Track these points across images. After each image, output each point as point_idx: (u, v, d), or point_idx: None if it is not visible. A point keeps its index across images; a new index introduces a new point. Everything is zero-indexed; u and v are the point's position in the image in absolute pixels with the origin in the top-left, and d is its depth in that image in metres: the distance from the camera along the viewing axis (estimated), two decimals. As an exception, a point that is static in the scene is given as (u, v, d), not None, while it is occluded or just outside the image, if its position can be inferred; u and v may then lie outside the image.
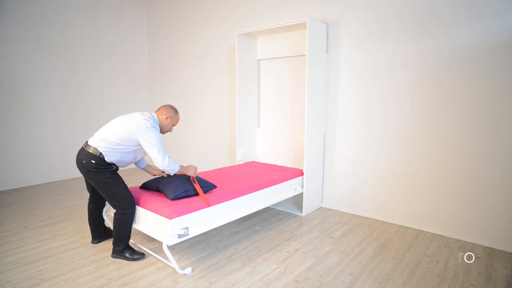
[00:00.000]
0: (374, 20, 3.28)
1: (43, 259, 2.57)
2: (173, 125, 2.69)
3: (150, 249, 2.71)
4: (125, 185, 2.54)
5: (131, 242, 2.81)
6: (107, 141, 2.42)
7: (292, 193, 3.46)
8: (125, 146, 2.45)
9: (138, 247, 2.75)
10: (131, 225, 2.56)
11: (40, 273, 2.36)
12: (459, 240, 2.94)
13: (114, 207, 2.51)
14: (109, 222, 2.86)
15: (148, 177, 5.13)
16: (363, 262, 2.55)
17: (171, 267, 2.44)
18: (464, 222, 2.94)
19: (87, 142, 2.50)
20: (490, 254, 2.71)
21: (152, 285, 2.22)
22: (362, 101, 3.43)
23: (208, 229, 2.53)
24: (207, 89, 4.99)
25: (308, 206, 3.58)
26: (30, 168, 4.64)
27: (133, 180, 4.97)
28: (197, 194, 2.60)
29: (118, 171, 2.57)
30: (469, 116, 2.85)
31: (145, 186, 2.77)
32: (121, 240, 2.53)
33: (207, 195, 2.66)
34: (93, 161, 2.40)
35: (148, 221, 2.47)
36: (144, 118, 2.47)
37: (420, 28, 3.03)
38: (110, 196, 2.47)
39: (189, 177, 2.68)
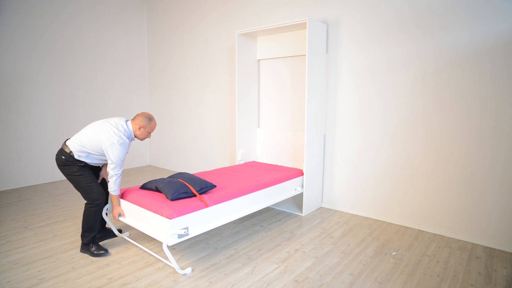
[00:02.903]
0: (374, 20, 3.28)
1: (43, 259, 2.57)
2: (149, 132, 2.74)
3: (150, 249, 2.71)
4: (94, 178, 2.66)
5: (132, 241, 2.81)
6: (79, 144, 2.56)
7: (292, 193, 3.46)
8: (92, 151, 2.58)
9: (138, 247, 2.76)
10: (99, 218, 2.67)
11: (40, 273, 2.36)
12: (459, 240, 2.94)
13: (84, 199, 2.66)
14: (109, 223, 2.86)
15: (147, 178, 5.13)
16: (363, 262, 2.55)
17: (171, 267, 2.44)
18: (464, 222, 2.94)
19: (65, 141, 2.65)
20: (490, 254, 2.71)
21: (152, 285, 2.22)
22: (362, 101, 3.43)
23: (208, 229, 2.53)
24: (207, 89, 4.99)
25: (308, 206, 3.58)
26: (30, 168, 4.64)
27: (133, 180, 4.97)
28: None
29: (88, 166, 2.66)
30: (469, 116, 2.85)
31: (145, 187, 2.77)
32: (87, 231, 2.63)
33: (207, 194, 2.66)
34: (63, 157, 2.58)
35: (148, 221, 2.47)
36: (113, 132, 2.54)
37: (420, 28, 3.03)
38: (79, 188, 2.63)
39: (188, 178, 2.72)
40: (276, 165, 3.91)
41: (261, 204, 3.09)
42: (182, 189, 2.55)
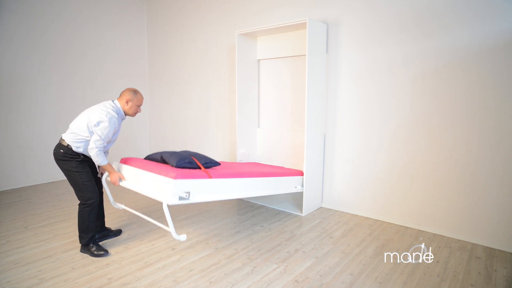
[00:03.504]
0: (374, 20, 3.28)
1: (43, 259, 2.57)
2: (138, 106, 2.72)
3: (153, 218, 2.69)
4: (91, 176, 2.65)
5: (131, 210, 2.80)
6: (74, 133, 2.56)
7: (292, 190, 3.46)
8: (86, 138, 2.55)
9: (140, 217, 2.72)
10: (94, 218, 2.66)
11: (40, 273, 2.36)
12: (459, 240, 2.94)
13: (78, 198, 2.65)
14: (107, 191, 2.84)
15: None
16: (363, 262, 2.55)
17: (171, 269, 2.44)
18: (464, 222, 2.94)
19: (62, 136, 2.65)
20: (490, 254, 2.71)
21: (152, 285, 2.22)
22: (362, 101, 3.43)
23: (208, 200, 2.57)
24: (207, 89, 4.99)
25: (308, 206, 3.58)
26: (30, 168, 4.64)
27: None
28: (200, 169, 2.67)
29: (87, 162, 2.66)
30: (469, 116, 2.85)
31: (149, 157, 2.85)
32: (84, 232, 2.63)
33: (210, 170, 2.72)
34: (61, 151, 2.57)
35: (151, 183, 2.48)
36: (101, 109, 2.54)
37: (420, 28, 3.03)
38: (74, 185, 2.62)
39: (193, 153, 2.78)
40: (276, 166, 3.92)
41: (261, 191, 3.11)
42: (187, 159, 2.61)
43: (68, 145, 2.55)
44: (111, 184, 2.80)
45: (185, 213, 3.58)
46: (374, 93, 3.34)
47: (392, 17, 3.17)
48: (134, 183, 2.64)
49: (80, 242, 2.67)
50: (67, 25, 4.85)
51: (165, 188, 2.35)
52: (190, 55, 5.16)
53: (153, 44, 5.80)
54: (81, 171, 2.59)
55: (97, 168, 2.83)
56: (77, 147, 2.55)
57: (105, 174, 2.80)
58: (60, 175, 4.90)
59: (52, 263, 2.51)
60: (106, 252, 2.63)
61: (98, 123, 2.50)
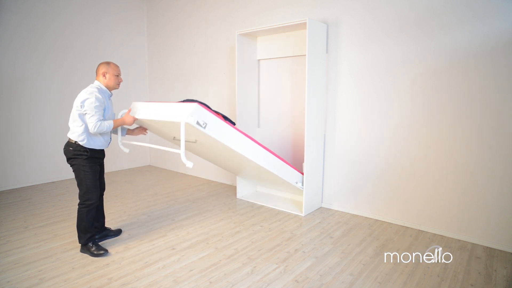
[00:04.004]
0: (374, 20, 3.28)
1: (43, 259, 2.57)
2: (116, 75, 2.69)
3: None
4: (96, 178, 2.69)
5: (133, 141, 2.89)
6: (72, 128, 2.59)
7: (293, 182, 3.47)
8: (83, 125, 2.56)
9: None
10: (91, 219, 2.69)
11: (40, 273, 2.36)
12: (459, 240, 2.94)
13: (78, 197, 2.67)
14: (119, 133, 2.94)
15: (147, 178, 5.13)
16: (363, 262, 2.55)
17: (171, 269, 2.44)
18: (464, 222, 2.94)
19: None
20: (490, 254, 2.71)
21: (152, 285, 2.22)
22: (362, 101, 3.43)
23: (218, 139, 2.68)
24: (207, 89, 4.99)
25: (308, 206, 3.58)
26: (30, 168, 4.64)
27: (133, 180, 4.96)
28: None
29: (97, 160, 2.69)
30: (469, 116, 2.85)
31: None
32: (82, 232, 2.66)
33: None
34: (70, 148, 2.60)
35: (171, 112, 2.57)
36: (85, 92, 2.56)
37: (420, 28, 3.02)
38: (78, 183, 2.65)
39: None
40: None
41: (268, 164, 3.22)
42: (208, 106, 2.70)
43: (75, 141, 2.57)
44: (130, 135, 3.05)
45: (185, 213, 3.58)
46: (374, 93, 3.34)
47: (392, 17, 3.17)
48: (153, 114, 2.71)
49: (79, 242, 2.68)
50: (67, 25, 4.85)
51: (186, 110, 2.46)
52: (190, 55, 5.16)
53: (153, 44, 5.80)
54: (88, 171, 2.61)
55: (119, 142, 2.95)
56: (82, 140, 2.56)
57: (119, 139, 2.93)
58: (60, 175, 4.91)
59: (52, 263, 2.51)
60: (105, 252, 2.63)
61: (83, 103, 2.50)
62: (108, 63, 2.68)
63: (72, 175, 4.96)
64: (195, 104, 2.49)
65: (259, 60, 4.24)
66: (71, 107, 2.65)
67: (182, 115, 2.45)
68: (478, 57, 2.77)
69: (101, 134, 2.65)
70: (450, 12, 2.87)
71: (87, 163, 2.60)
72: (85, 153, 2.59)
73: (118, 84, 2.73)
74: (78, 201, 2.68)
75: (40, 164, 4.72)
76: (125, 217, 3.42)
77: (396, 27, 3.15)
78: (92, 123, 2.49)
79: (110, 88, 2.71)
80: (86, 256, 2.62)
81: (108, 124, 2.58)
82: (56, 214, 3.51)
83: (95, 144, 2.63)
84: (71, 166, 2.65)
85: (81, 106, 2.51)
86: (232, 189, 4.54)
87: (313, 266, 2.48)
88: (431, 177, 3.08)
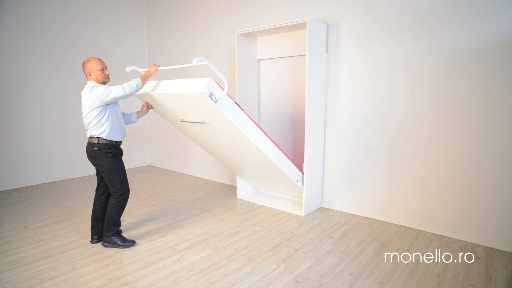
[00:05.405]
0: (375, 20, 3.28)
1: (43, 259, 2.57)
2: (101, 69, 2.65)
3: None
4: (125, 172, 2.77)
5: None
6: (89, 126, 2.62)
7: (294, 179, 3.47)
8: (99, 116, 2.59)
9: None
10: (122, 212, 2.77)
11: (40, 273, 2.36)
12: (459, 240, 2.94)
13: (111, 193, 2.73)
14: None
15: (148, 178, 5.13)
16: (363, 262, 2.55)
17: (171, 269, 2.44)
18: (464, 222, 2.94)
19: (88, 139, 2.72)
20: (490, 254, 2.71)
21: (152, 285, 2.22)
22: (362, 101, 3.43)
23: (227, 116, 2.74)
24: (207, 89, 4.99)
25: (308, 206, 3.58)
26: (30, 168, 4.64)
27: (133, 180, 4.96)
28: None
29: (121, 156, 2.76)
30: (469, 116, 2.85)
31: None
32: (111, 225, 2.72)
33: None
34: (95, 148, 2.63)
35: (186, 85, 2.69)
36: (85, 93, 2.59)
37: (420, 28, 3.02)
38: (110, 180, 2.68)
39: None
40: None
41: (272, 155, 3.23)
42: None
43: (98, 139, 2.61)
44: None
45: (185, 213, 3.58)
46: (374, 93, 3.34)
47: (392, 17, 3.17)
48: (169, 88, 2.83)
49: (105, 236, 2.74)
50: (67, 25, 4.85)
51: (200, 82, 2.59)
52: (190, 55, 5.16)
53: (153, 44, 5.80)
54: (118, 167, 2.68)
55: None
56: (103, 132, 2.60)
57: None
58: (60, 175, 4.91)
59: (52, 263, 2.51)
60: (133, 242, 2.77)
61: (92, 95, 2.53)
62: (88, 60, 2.64)
63: (72, 175, 5.03)
64: (209, 78, 2.60)
65: (259, 60, 4.24)
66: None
67: (198, 87, 2.59)
68: (478, 57, 2.77)
69: (119, 123, 2.72)
70: (450, 12, 2.87)
71: (114, 160, 2.67)
72: (110, 151, 2.64)
73: (107, 77, 2.71)
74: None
75: (40, 164, 4.72)
76: (125, 217, 3.42)
77: (396, 27, 3.15)
78: (119, 88, 2.57)
79: (99, 83, 2.69)
80: (86, 256, 2.61)
81: (136, 81, 2.66)
82: (56, 214, 3.52)
83: (114, 136, 2.68)
84: (98, 166, 2.68)
85: (93, 101, 2.54)
86: (232, 189, 4.54)
87: (313, 266, 2.48)
88: (431, 177, 3.08)
